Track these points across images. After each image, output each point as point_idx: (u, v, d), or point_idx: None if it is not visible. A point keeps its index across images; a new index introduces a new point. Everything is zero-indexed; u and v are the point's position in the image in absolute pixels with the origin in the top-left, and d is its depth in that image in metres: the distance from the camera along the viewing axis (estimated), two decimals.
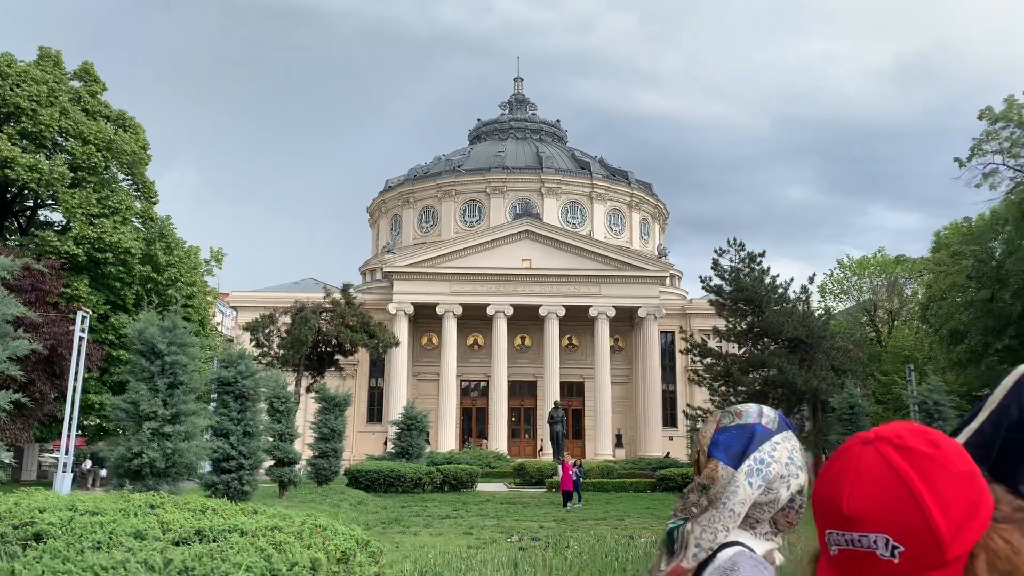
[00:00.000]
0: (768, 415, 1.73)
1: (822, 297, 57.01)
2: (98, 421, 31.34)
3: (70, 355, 23.44)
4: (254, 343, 37.65)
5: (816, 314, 38.00)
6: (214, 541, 5.18)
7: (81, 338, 22.86)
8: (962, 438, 2.25)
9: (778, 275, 38.64)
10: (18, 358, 16.19)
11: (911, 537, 1.04)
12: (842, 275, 58.11)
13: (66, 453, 22.63)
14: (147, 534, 5.17)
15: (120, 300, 31.46)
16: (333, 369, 38.11)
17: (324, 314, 36.05)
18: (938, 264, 39.29)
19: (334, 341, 35.72)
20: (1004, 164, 34.80)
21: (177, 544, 5.21)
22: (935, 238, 46.09)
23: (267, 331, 38.19)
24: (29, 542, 5.43)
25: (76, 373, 22.58)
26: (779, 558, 1.73)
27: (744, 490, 1.66)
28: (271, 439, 21.89)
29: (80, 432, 31.12)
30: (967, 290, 34.99)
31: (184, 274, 32.79)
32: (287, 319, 37.48)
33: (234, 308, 56.01)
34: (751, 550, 1.68)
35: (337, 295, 36.54)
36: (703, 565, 1.69)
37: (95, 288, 30.43)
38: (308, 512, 6.29)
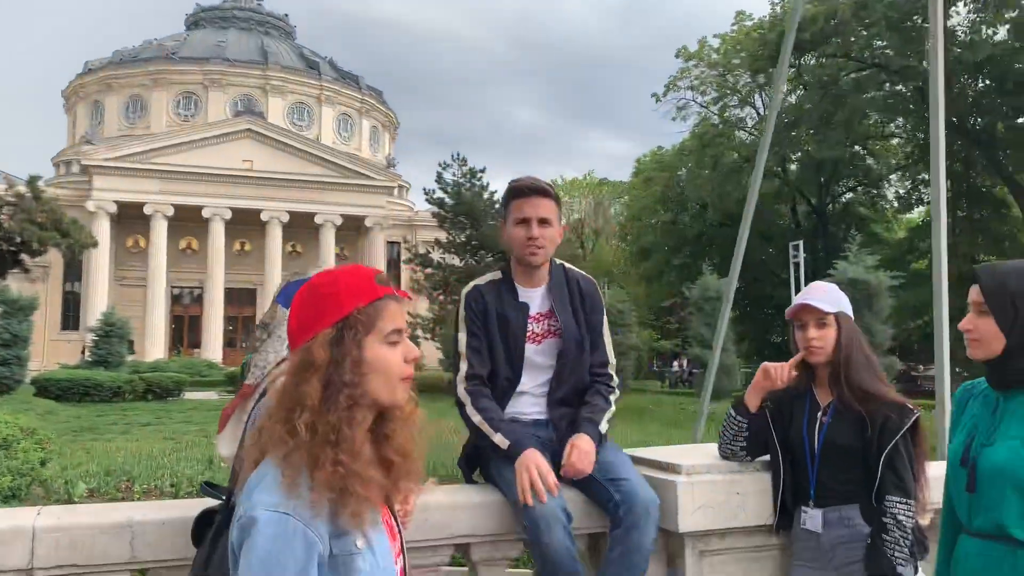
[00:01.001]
0: None
1: None
2: None
3: None
4: None
5: None
6: None
7: None
8: None
9: (496, 191, 40.60)
10: None
11: (288, 335, 1.64)
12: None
13: None
14: None
15: None
16: (18, 271, 34.12)
17: (6, 208, 31.98)
18: (634, 188, 43.51)
19: (19, 239, 31.90)
20: (693, 100, 39.06)
21: None
22: (636, 165, 50.79)
23: None
24: None
25: None
26: None
27: (285, 322, 2.13)
28: None
29: None
30: (656, 212, 39.32)
31: None
32: None
33: None
34: None
35: (22, 188, 32.47)
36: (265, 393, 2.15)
37: None
38: None
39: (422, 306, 50.03)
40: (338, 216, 53.99)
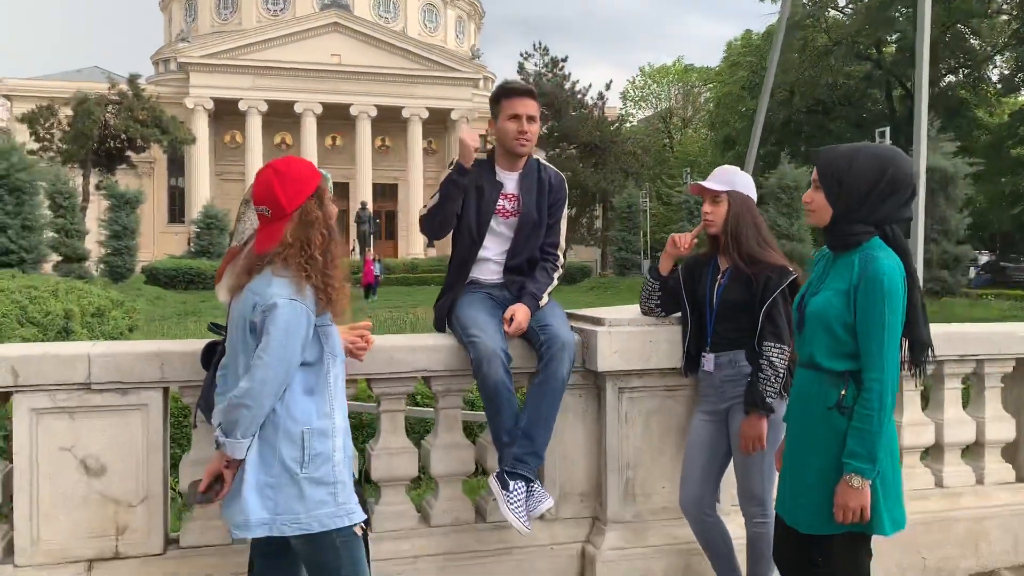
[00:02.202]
0: None
1: (624, 104, 59.64)
2: None
3: None
4: (33, 136, 35.01)
5: (609, 120, 40.15)
6: None
7: None
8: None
9: (578, 81, 40.18)
10: None
11: (272, 205, 2.37)
12: (643, 83, 60.66)
13: None
14: None
15: None
16: (125, 167, 36.35)
17: (110, 106, 33.85)
18: (720, 75, 42.09)
19: (124, 136, 33.89)
20: None
21: None
22: (726, 49, 48.86)
23: (48, 124, 35.47)
24: None
25: None
26: None
27: None
28: (55, 235, 21.40)
29: None
30: (742, 100, 38.13)
31: None
32: (69, 111, 34.89)
33: (7, 97, 50.71)
34: None
35: (124, 86, 34.19)
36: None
37: None
38: (68, 283, 6.97)
39: None
40: (424, 109, 54.39)
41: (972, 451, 4.16)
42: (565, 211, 3.63)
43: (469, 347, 3.18)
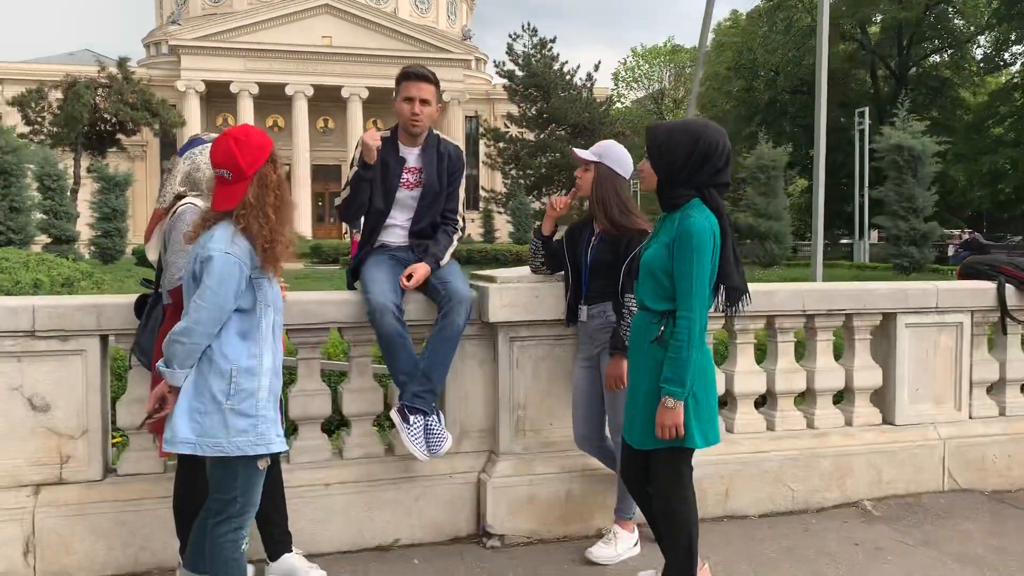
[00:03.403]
0: (210, 135, 3.21)
1: (616, 84, 59.73)
2: None
3: None
4: (24, 119, 35.23)
5: (598, 101, 40.32)
6: None
7: None
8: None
9: (567, 62, 40.30)
10: None
11: (232, 169, 2.73)
12: (635, 63, 60.74)
13: None
14: None
15: None
16: (116, 149, 36.61)
17: (100, 90, 34.07)
18: (707, 55, 42.21)
19: (114, 119, 34.14)
20: None
21: None
22: (714, 29, 48.92)
23: (38, 107, 35.67)
24: None
25: None
26: (200, 203, 3.28)
27: (180, 166, 3.18)
28: (44, 216, 21.71)
29: None
30: (728, 80, 38.38)
31: None
32: (59, 94, 35.10)
33: None
34: (196, 205, 3.22)
35: (113, 69, 34.40)
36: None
37: None
38: (40, 255, 7.34)
39: (498, 181, 50.91)
40: None
41: (845, 397, 4.61)
42: (463, 180, 4.03)
43: (365, 302, 3.60)
